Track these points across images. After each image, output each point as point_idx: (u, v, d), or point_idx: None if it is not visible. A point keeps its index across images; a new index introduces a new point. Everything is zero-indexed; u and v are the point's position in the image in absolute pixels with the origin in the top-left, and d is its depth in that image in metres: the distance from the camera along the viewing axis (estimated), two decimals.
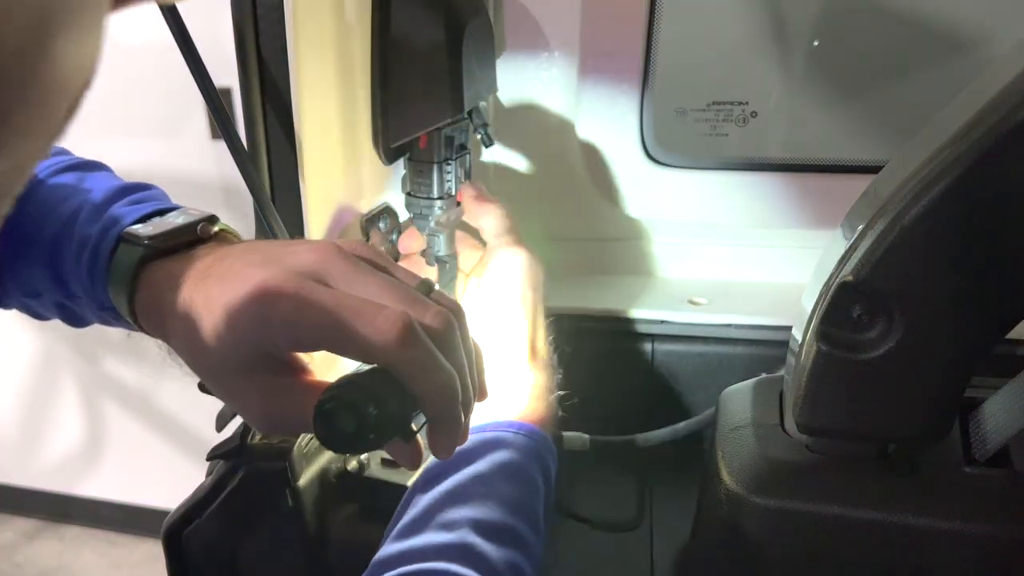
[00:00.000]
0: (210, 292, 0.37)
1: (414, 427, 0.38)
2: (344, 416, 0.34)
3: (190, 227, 0.43)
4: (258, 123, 0.57)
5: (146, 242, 0.41)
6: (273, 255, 0.38)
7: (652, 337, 0.77)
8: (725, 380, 0.56)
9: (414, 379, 0.35)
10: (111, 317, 0.45)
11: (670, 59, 0.80)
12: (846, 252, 0.41)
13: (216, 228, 0.44)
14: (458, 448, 0.46)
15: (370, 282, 0.37)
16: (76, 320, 0.49)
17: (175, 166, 1.60)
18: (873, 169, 0.45)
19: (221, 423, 0.58)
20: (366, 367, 0.36)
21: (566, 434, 0.68)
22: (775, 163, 0.83)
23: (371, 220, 0.66)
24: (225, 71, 0.57)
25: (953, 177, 0.38)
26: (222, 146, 0.54)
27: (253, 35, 0.55)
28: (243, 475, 0.56)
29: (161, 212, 0.44)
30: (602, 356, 0.78)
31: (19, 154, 0.18)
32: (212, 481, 0.57)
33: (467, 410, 0.40)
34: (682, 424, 0.70)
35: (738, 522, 0.47)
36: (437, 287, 0.41)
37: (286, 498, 0.56)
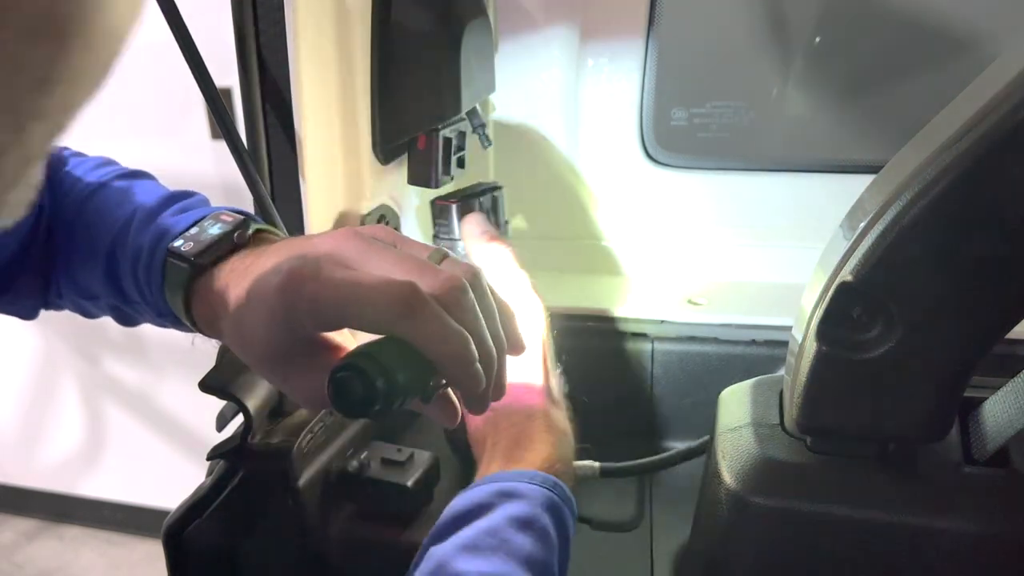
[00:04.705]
0: (249, 289, 0.41)
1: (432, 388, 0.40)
2: (354, 384, 0.36)
3: (226, 237, 0.46)
4: (258, 123, 0.57)
5: (192, 259, 0.45)
6: (299, 246, 0.42)
7: (652, 337, 0.77)
8: (725, 380, 0.56)
9: (424, 345, 0.38)
10: (169, 322, 0.49)
11: (670, 59, 0.80)
12: (846, 252, 0.41)
13: (252, 230, 0.47)
14: (473, 499, 0.47)
15: (383, 257, 0.40)
16: (128, 321, 0.52)
17: (175, 166, 1.60)
18: (873, 169, 0.45)
19: (221, 423, 0.58)
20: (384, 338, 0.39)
21: (576, 463, 0.65)
22: (775, 163, 0.83)
23: (370, 220, 0.66)
24: (225, 71, 0.57)
25: (953, 177, 0.38)
26: (222, 146, 0.54)
27: (253, 35, 0.55)
28: (243, 475, 0.56)
29: (199, 221, 0.47)
30: (602, 356, 0.78)
31: (71, 97, 0.21)
32: (212, 481, 0.57)
33: (490, 369, 0.41)
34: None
35: (738, 522, 0.47)
36: (451, 254, 0.43)
37: (286, 498, 0.56)
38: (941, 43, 0.76)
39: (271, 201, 0.55)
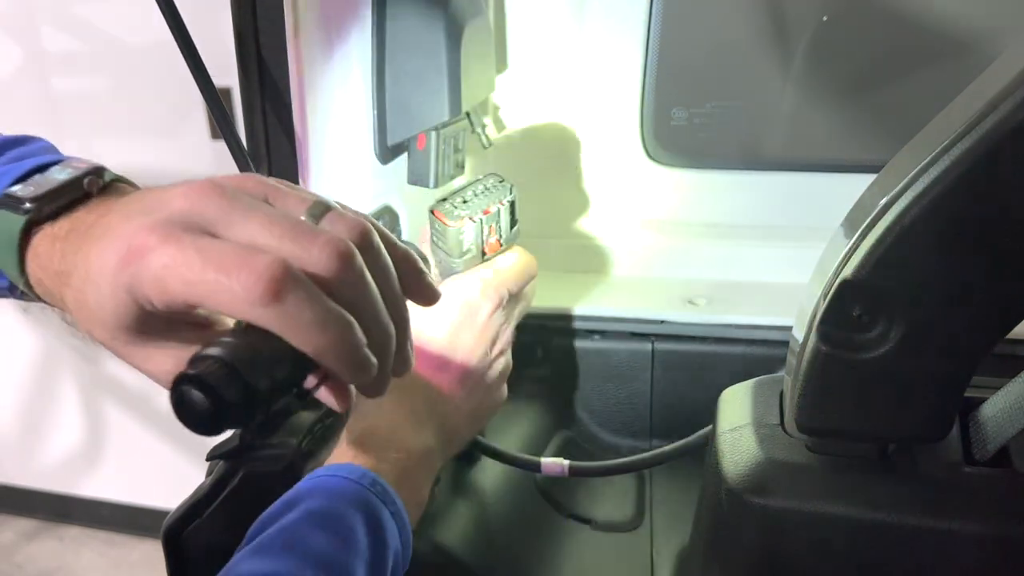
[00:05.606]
0: (89, 254, 0.34)
1: (308, 386, 0.34)
2: (200, 398, 0.29)
3: (75, 183, 0.38)
4: (258, 123, 0.57)
5: (26, 206, 0.37)
6: (149, 205, 0.34)
7: (652, 337, 0.77)
8: (725, 380, 0.56)
9: (294, 336, 0.31)
10: (2, 288, 0.41)
11: (670, 59, 0.80)
12: (846, 252, 0.41)
13: (106, 180, 0.39)
14: (280, 500, 0.43)
15: (249, 218, 0.33)
16: None
17: (175, 166, 1.60)
18: (873, 169, 0.45)
19: None
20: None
21: (544, 459, 0.62)
22: (775, 163, 0.83)
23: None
24: (225, 71, 0.57)
25: (953, 177, 0.38)
26: (222, 146, 0.54)
27: (253, 35, 0.54)
28: (243, 475, 0.56)
29: (44, 167, 0.39)
30: (602, 356, 0.78)
31: None
32: (212, 481, 0.57)
33: (385, 349, 0.35)
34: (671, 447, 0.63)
35: (738, 522, 0.47)
36: (336, 206, 0.35)
37: None
38: (941, 43, 0.76)
39: None
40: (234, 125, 0.52)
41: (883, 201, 0.40)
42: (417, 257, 0.38)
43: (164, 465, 1.93)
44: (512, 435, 0.69)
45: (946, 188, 0.38)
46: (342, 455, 0.49)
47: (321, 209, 0.35)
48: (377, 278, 0.34)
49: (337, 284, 0.32)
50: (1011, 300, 0.40)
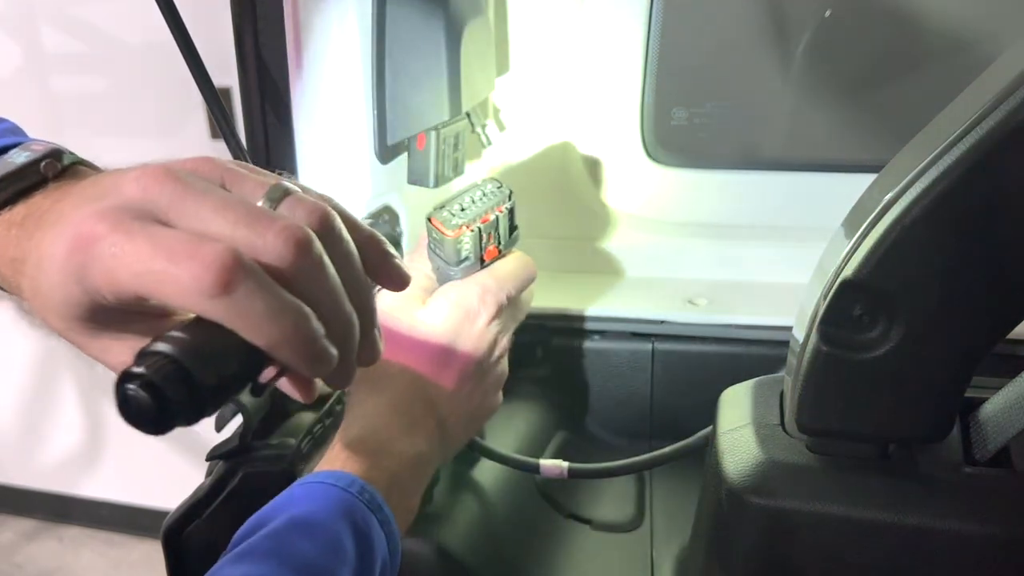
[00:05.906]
0: (42, 241, 0.33)
1: (266, 378, 0.33)
2: (145, 398, 0.28)
3: (31, 167, 0.37)
4: (258, 123, 0.57)
5: None
6: (102, 190, 0.33)
7: (652, 337, 0.77)
8: (725, 380, 0.56)
9: (245, 329, 0.30)
10: None
11: (670, 59, 0.80)
12: (847, 252, 0.41)
13: (64, 163, 0.38)
14: (267, 508, 0.42)
15: (202, 204, 0.31)
16: None
17: None
18: (873, 169, 0.45)
19: (221, 423, 0.58)
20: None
21: (543, 461, 0.61)
22: (775, 163, 0.83)
23: (371, 220, 0.65)
24: (225, 71, 0.57)
25: (954, 177, 0.38)
26: (222, 146, 0.54)
27: (252, 35, 0.55)
28: (243, 475, 0.57)
29: (3, 151, 0.38)
30: (602, 356, 0.78)
31: None
32: (212, 481, 0.57)
33: (347, 339, 0.33)
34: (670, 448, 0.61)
35: (738, 522, 0.47)
36: (296, 189, 0.34)
37: None
38: (941, 43, 0.76)
39: None
40: (234, 125, 0.52)
41: (884, 201, 0.40)
42: (383, 239, 0.37)
43: (164, 465, 1.93)
44: (512, 435, 0.69)
45: (947, 188, 0.38)
46: (332, 461, 0.48)
47: (279, 193, 0.33)
48: (338, 264, 0.33)
49: (293, 273, 0.31)
50: (1012, 300, 0.40)
